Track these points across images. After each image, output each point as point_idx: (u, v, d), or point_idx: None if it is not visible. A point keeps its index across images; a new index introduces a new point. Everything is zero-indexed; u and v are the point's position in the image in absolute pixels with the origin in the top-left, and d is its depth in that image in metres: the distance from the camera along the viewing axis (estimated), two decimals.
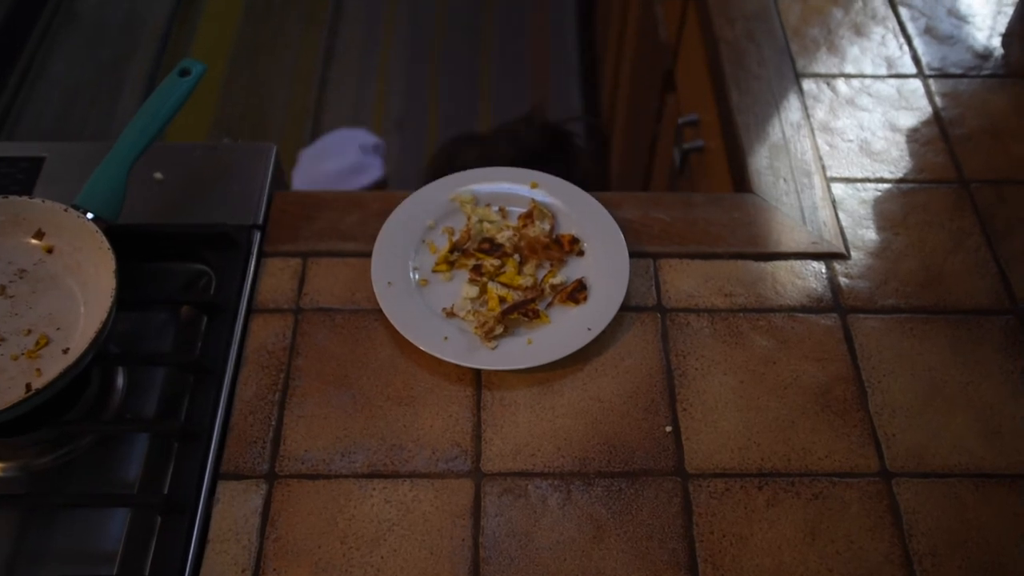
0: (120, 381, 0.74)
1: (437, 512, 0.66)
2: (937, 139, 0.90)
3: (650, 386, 0.72)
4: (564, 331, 0.74)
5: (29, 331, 0.69)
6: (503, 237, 0.80)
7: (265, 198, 0.83)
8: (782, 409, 0.71)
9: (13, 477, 0.69)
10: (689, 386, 0.72)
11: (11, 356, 0.67)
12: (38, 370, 0.67)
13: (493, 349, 0.73)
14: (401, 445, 0.69)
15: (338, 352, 0.74)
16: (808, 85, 0.95)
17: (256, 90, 2.17)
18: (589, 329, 0.73)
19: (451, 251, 0.80)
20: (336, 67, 2.28)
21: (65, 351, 0.68)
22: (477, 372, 0.73)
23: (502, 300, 0.76)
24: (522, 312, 0.75)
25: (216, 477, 0.67)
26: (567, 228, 0.82)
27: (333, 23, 2.39)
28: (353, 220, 0.83)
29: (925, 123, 0.92)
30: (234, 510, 0.65)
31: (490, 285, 0.77)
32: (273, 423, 0.70)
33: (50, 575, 0.66)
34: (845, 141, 0.90)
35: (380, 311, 0.75)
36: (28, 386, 0.65)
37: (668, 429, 0.70)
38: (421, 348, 0.72)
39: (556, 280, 0.78)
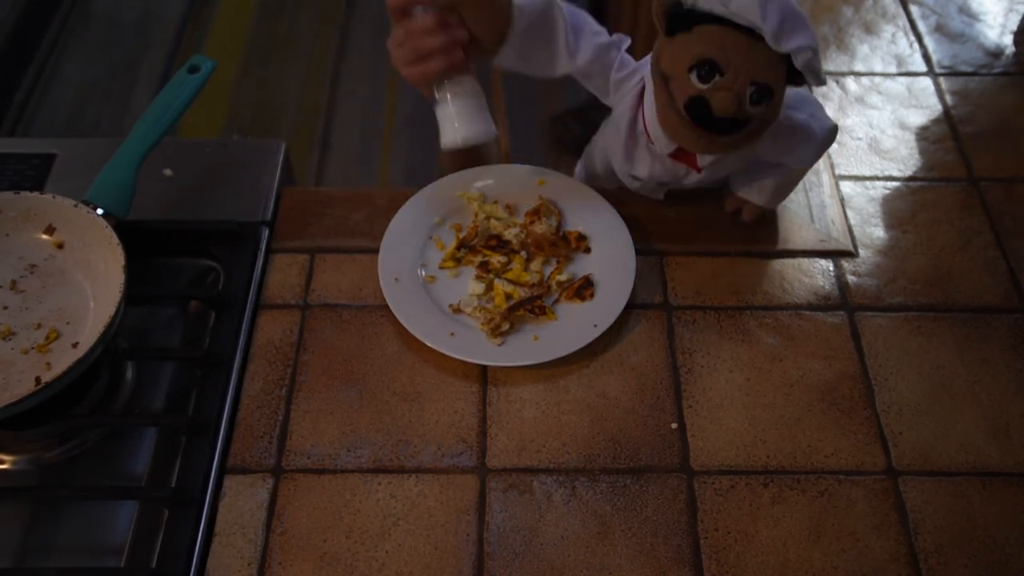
0: (129, 375, 0.74)
1: (442, 507, 0.66)
2: (947, 137, 0.90)
3: (656, 383, 0.72)
4: (570, 328, 0.74)
5: (39, 325, 0.70)
6: (510, 234, 0.80)
7: (274, 194, 0.84)
8: (788, 407, 0.71)
9: (23, 470, 0.70)
10: (695, 383, 0.72)
11: (21, 350, 0.68)
12: (48, 364, 0.67)
13: (499, 345, 0.73)
14: (407, 440, 0.69)
15: (345, 348, 0.74)
16: None
17: (268, 88, 2.17)
18: (595, 326, 0.73)
19: (458, 248, 0.80)
20: (348, 65, 2.28)
21: (74, 345, 0.68)
22: (483, 368, 0.73)
23: (508, 296, 0.76)
24: (528, 308, 0.75)
25: (223, 471, 0.67)
26: (574, 225, 0.82)
27: (345, 22, 2.40)
28: (361, 217, 0.83)
29: (935, 121, 0.91)
30: (240, 504, 0.66)
31: (497, 282, 0.77)
32: (280, 418, 0.70)
33: (59, 566, 0.66)
34: (854, 139, 0.90)
35: (387, 307, 0.75)
36: (38, 379, 0.65)
37: (674, 426, 0.70)
38: (427, 344, 0.72)
39: (563, 277, 0.78)
